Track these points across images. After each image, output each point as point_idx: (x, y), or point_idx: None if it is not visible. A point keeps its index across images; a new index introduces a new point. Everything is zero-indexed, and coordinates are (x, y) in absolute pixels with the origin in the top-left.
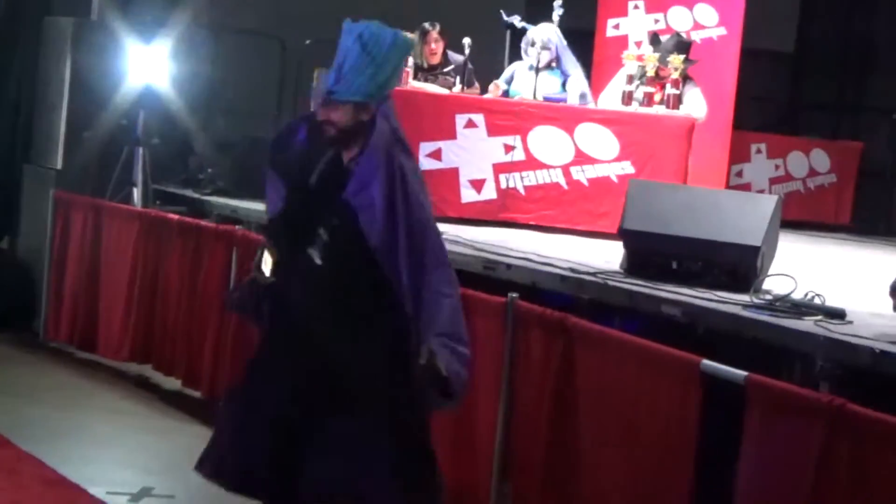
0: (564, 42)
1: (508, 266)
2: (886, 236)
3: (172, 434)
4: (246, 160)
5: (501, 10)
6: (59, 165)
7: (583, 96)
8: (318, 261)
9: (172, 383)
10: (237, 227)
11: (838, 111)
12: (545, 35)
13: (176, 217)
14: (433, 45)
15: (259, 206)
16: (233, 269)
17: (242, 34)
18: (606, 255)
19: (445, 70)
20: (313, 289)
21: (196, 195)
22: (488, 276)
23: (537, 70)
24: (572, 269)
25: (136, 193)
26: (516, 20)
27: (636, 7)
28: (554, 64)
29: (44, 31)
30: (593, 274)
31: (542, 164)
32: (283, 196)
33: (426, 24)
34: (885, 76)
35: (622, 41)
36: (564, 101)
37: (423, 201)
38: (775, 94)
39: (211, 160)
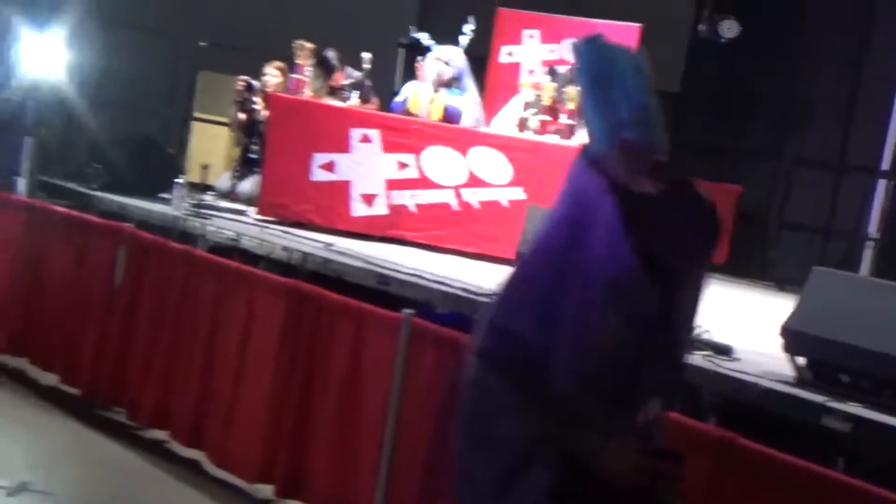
0: (468, 67)
1: (403, 282)
2: (758, 279)
3: (49, 430)
4: (135, 157)
5: (410, 27)
6: None
7: (476, 121)
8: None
9: (49, 378)
10: (126, 224)
11: (719, 154)
12: (448, 54)
13: (62, 210)
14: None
15: (146, 204)
16: (118, 267)
17: (137, 30)
18: (496, 278)
19: (343, 84)
20: None
21: (82, 189)
22: (375, 290)
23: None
24: (465, 290)
25: (22, 184)
26: (424, 38)
27: (531, 36)
28: (454, 84)
29: None
30: (487, 295)
31: (435, 183)
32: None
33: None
34: (765, 123)
35: (514, 68)
36: (461, 113)
37: None
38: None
39: (98, 154)
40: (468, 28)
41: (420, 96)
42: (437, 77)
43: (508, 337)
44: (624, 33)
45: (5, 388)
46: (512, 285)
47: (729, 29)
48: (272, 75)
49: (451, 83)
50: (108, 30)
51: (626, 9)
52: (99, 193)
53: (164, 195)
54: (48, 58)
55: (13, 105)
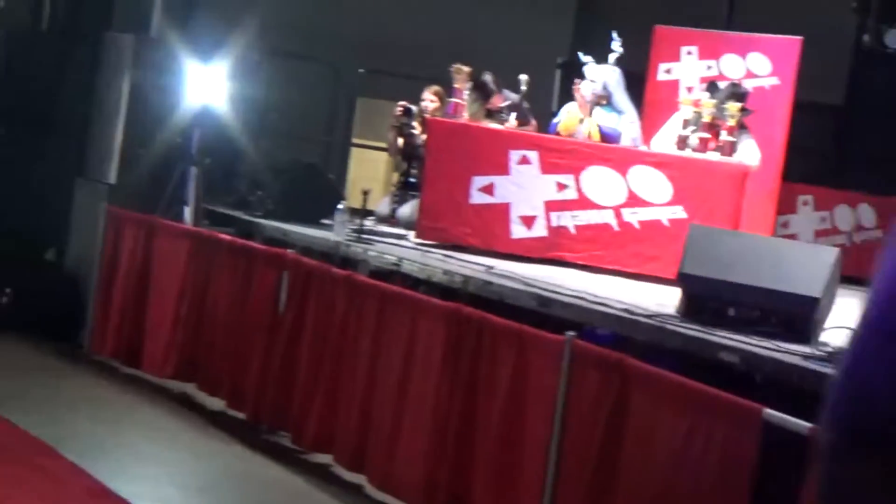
0: (622, 83)
1: (564, 304)
2: None
3: (216, 454)
4: (298, 184)
5: (579, 53)
6: (112, 180)
7: (633, 140)
8: None
9: (215, 403)
10: (289, 250)
11: (886, 166)
12: (597, 72)
13: (227, 237)
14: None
15: (309, 230)
16: (282, 293)
17: (296, 59)
18: (657, 298)
19: (500, 106)
20: None
21: (246, 217)
22: (536, 312)
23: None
24: (627, 311)
25: (188, 212)
26: (585, 59)
27: (689, 53)
28: (604, 101)
29: (103, 46)
30: (650, 316)
31: (594, 204)
32: None
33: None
34: None
35: (673, 85)
36: (619, 135)
37: None
38: (822, 146)
39: (261, 182)
40: (616, 45)
41: (573, 117)
42: (589, 97)
43: (884, 401)
44: (784, 47)
45: (173, 413)
46: (874, 330)
47: (895, 38)
48: (430, 100)
49: (602, 101)
50: (269, 60)
51: (785, 21)
52: (262, 221)
53: (326, 221)
54: (212, 89)
55: (180, 136)
